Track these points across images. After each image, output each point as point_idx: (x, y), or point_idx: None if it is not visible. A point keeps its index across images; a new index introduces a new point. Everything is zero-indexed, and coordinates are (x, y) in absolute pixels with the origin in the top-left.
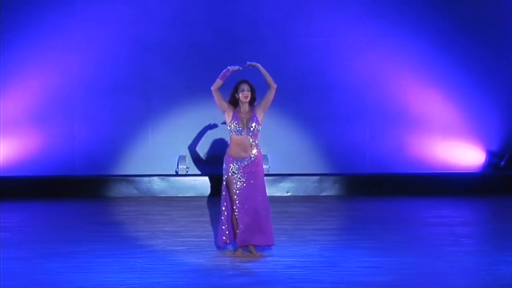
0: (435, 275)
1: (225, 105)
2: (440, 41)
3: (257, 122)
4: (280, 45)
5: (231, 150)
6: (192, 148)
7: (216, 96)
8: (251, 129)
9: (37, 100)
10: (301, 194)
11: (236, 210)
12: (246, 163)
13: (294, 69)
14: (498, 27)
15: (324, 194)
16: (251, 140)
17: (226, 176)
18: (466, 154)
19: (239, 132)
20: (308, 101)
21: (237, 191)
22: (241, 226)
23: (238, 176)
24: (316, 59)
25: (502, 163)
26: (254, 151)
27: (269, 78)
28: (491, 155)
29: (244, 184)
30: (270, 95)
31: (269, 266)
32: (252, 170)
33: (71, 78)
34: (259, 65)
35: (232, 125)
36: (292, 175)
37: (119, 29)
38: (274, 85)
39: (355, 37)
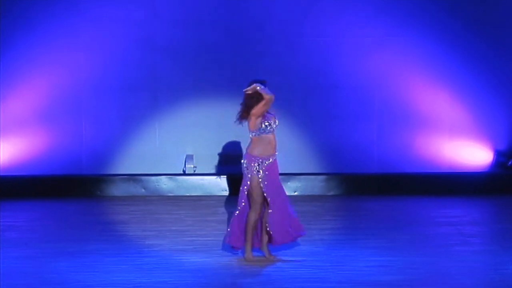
0: (443, 274)
1: None
2: (448, 40)
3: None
4: (289, 45)
5: (258, 150)
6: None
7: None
8: (275, 126)
9: (45, 99)
10: (308, 193)
11: (270, 210)
12: (271, 160)
13: (302, 68)
14: (506, 27)
15: (331, 193)
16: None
17: (250, 176)
18: (473, 154)
19: (270, 131)
20: (316, 100)
21: (265, 190)
22: (273, 226)
23: (263, 175)
24: (324, 59)
25: (510, 163)
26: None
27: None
28: (498, 154)
29: (266, 182)
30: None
31: (276, 265)
32: (273, 167)
33: (79, 77)
34: (256, 87)
35: (263, 125)
36: (300, 174)
37: (128, 29)
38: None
39: (363, 37)
